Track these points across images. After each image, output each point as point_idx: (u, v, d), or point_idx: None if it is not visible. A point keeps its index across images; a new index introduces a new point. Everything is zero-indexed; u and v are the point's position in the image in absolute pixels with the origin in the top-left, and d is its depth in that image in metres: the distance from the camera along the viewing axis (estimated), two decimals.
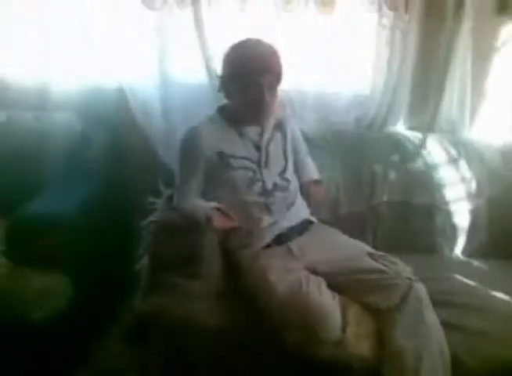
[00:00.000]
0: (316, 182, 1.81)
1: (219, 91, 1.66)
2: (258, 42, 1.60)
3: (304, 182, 1.78)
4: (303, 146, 1.83)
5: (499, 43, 2.09)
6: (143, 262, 1.58)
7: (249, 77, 1.53)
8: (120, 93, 2.05)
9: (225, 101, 1.69)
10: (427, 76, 2.07)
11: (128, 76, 2.06)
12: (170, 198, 1.71)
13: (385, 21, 2.02)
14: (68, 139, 1.97)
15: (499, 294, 1.56)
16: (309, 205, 1.75)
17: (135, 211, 1.68)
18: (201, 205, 1.57)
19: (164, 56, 2.03)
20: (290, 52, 1.96)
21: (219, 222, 1.46)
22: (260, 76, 1.53)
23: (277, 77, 1.59)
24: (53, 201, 1.75)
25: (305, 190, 1.76)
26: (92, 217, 1.73)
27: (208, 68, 2.00)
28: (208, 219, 1.47)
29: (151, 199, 1.72)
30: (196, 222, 1.53)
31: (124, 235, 1.76)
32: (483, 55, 2.07)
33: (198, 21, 1.95)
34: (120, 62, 2.05)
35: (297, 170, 1.77)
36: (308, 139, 1.89)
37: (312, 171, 1.82)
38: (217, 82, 1.67)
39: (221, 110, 1.70)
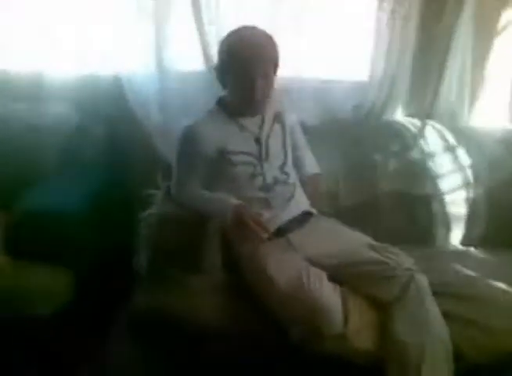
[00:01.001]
0: (316, 175, 1.80)
1: (217, 81, 1.63)
2: (252, 30, 1.55)
3: (305, 176, 1.77)
4: (302, 139, 1.82)
5: (500, 28, 2.06)
6: (142, 256, 1.57)
7: (240, 67, 1.50)
8: (117, 82, 2.02)
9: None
10: (426, 62, 2.05)
11: (125, 65, 2.02)
12: (168, 191, 1.69)
13: (385, 6, 1.98)
14: (65, 131, 1.94)
15: (499, 284, 1.57)
16: (309, 198, 1.73)
17: (134, 203, 1.66)
18: (223, 199, 1.55)
19: (162, 43, 1.98)
20: (288, 39, 1.93)
21: (248, 220, 1.44)
22: (251, 66, 1.49)
23: (272, 65, 1.56)
24: (52, 195, 1.73)
25: (306, 185, 1.74)
26: (92, 210, 1.72)
27: (206, 56, 1.97)
28: (237, 215, 1.45)
29: (149, 191, 1.70)
30: (207, 214, 1.54)
31: (124, 228, 1.75)
32: (484, 40, 2.05)
33: (196, 7, 1.91)
34: (116, 50, 2.00)
35: (297, 163, 1.76)
36: (306, 128, 1.87)
37: (312, 165, 1.81)
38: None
39: (221, 101, 1.67)
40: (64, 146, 1.92)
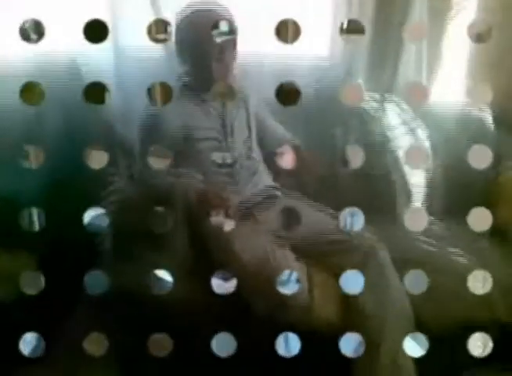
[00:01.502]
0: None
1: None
2: (208, 14, 1.56)
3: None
4: (272, 121, 1.85)
5: (454, 4, 2.10)
6: (105, 237, 1.56)
7: (196, 53, 1.55)
8: (73, 66, 1.97)
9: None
10: (384, 41, 2.08)
11: (81, 47, 1.97)
12: (131, 174, 1.69)
13: None
14: (21, 116, 1.89)
15: (455, 254, 1.65)
16: (274, 175, 1.76)
17: (95, 186, 1.64)
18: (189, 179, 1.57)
19: (118, 25, 1.95)
20: (247, 18, 1.91)
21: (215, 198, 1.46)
22: (207, 52, 1.54)
23: (230, 47, 1.59)
24: (11, 181, 1.70)
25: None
26: (52, 195, 1.70)
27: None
28: (203, 194, 1.47)
29: (110, 174, 1.68)
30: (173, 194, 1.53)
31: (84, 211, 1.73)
32: (440, 16, 2.09)
33: None
34: (71, 32, 1.94)
35: (263, 139, 1.79)
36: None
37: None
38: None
39: (184, 84, 1.68)
40: (21, 131, 1.87)
